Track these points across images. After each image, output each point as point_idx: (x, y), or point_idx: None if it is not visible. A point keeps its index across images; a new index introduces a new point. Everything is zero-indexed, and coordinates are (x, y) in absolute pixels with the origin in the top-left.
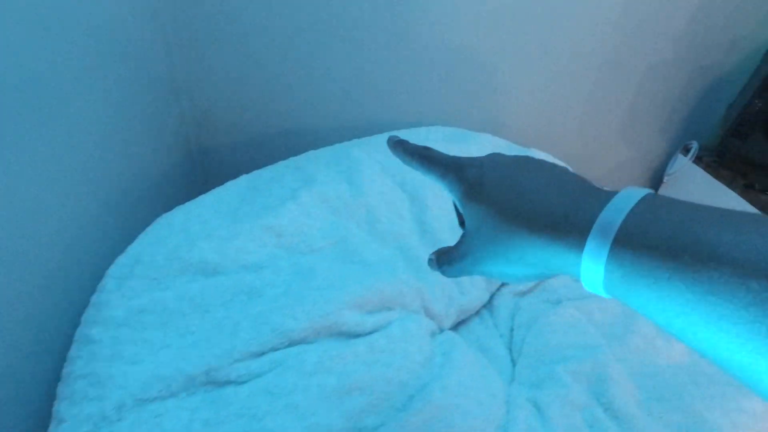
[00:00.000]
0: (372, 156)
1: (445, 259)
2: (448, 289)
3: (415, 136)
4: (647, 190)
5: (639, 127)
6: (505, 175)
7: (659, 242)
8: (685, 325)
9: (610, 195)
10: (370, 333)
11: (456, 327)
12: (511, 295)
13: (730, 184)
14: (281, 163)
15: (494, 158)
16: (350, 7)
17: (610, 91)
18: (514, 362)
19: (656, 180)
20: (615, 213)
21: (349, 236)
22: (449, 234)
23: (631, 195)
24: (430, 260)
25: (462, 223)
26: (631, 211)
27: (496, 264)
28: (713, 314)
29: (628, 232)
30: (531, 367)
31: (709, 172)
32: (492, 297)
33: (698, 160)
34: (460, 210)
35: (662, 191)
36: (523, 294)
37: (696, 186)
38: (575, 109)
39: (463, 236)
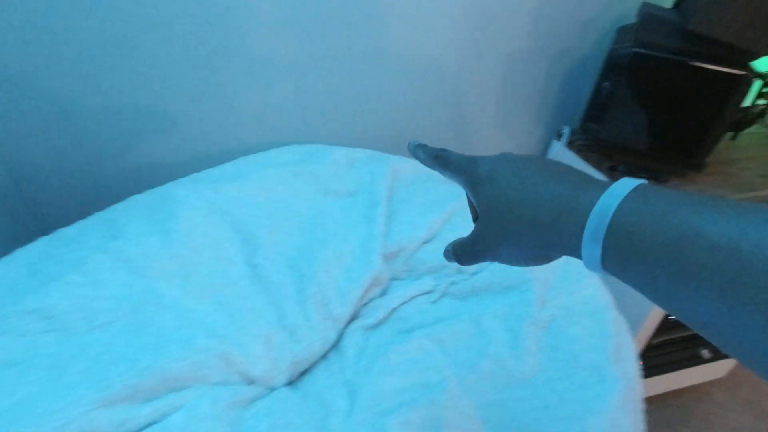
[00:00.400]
0: (200, 193)
1: (459, 249)
2: (276, 340)
3: (264, 160)
4: (641, 180)
5: (513, 116)
6: (513, 169)
7: (650, 223)
8: (672, 298)
9: (607, 184)
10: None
11: (300, 377)
12: (361, 330)
13: (598, 166)
14: (90, 218)
15: (504, 155)
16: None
17: (474, 86)
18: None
19: None
20: (612, 198)
21: (147, 301)
22: (285, 276)
23: (626, 184)
24: (446, 252)
25: (475, 218)
26: (626, 196)
27: (506, 247)
28: (693, 285)
29: (623, 215)
30: (364, 424)
31: (580, 156)
32: (341, 336)
33: (571, 145)
34: (473, 202)
35: None
36: (374, 327)
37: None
38: (441, 108)
39: (476, 226)
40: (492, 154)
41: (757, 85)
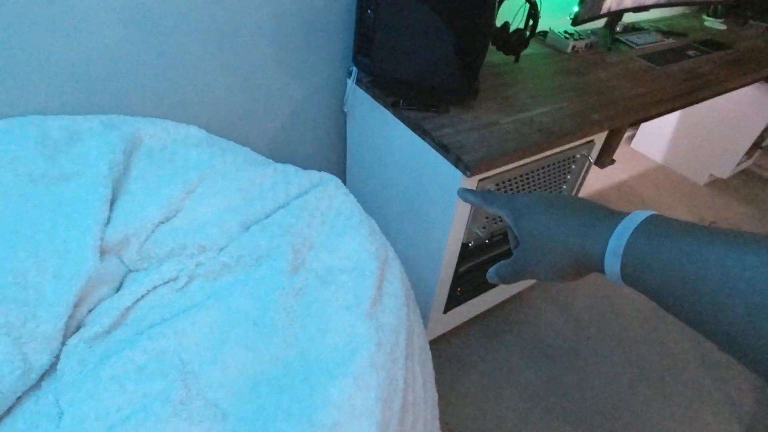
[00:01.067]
0: None
1: (503, 270)
2: None
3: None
4: (651, 212)
5: (301, 59)
6: (548, 204)
7: (657, 245)
8: (677, 305)
9: (624, 214)
10: None
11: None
12: (84, 344)
13: (384, 103)
14: None
15: (540, 194)
16: None
17: (250, 31)
18: None
19: (341, 111)
20: (628, 223)
21: None
22: None
23: (639, 215)
24: (490, 275)
25: (515, 245)
26: (640, 223)
27: (544, 269)
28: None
29: (637, 237)
30: None
31: (369, 94)
32: (59, 356)
33: (360, 83)
34: (515, 231)
35: (348, 119)
36: (104, 335)
37: (364, 109)
38: (227, 70)
39: (517, 251)
40: (530, 193)
41: (525, 6)
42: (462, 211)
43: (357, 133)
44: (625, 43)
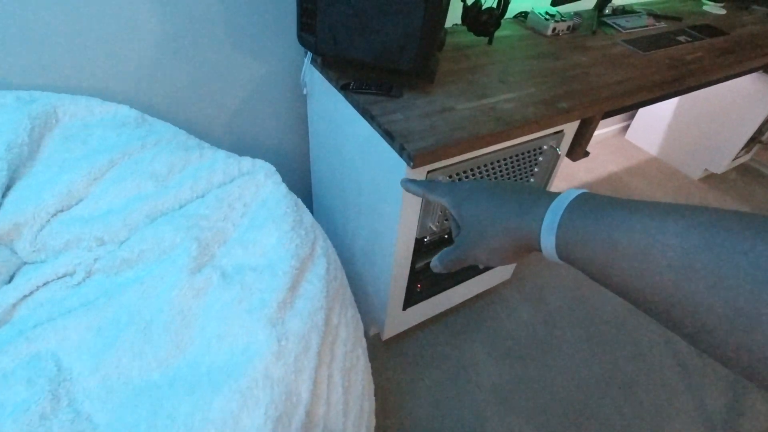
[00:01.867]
0: None
1: (445, 257)
2: None
3: None
4: (583, 190)
5: (257, 40)
6: (488, 189)
7: (588, 219)
8: (605, 274)
9: (556, 194)
10: None
11: None
12: None
13: (336, 84)
14: None
15: (478, 181)
16: None
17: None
18: None
19: (299, 91)
20: (560, 202)
21: None
22: None
23: (571, 192)
24: (433, 264)
25: (457, 233)
26: (571, 201)
27: (485, 251)
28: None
29: (568, 213)
30: None
31: (323, 75)
32: None
33: (315, 63)
34: (456, 218)
35: (308, 101)
36: None
37: (321, 92)
38: (170, 41)
39: (459, 238)
40: (470, 180)
41: None
42: (411, 203)
43: (316, 116)
44: (611, 26)
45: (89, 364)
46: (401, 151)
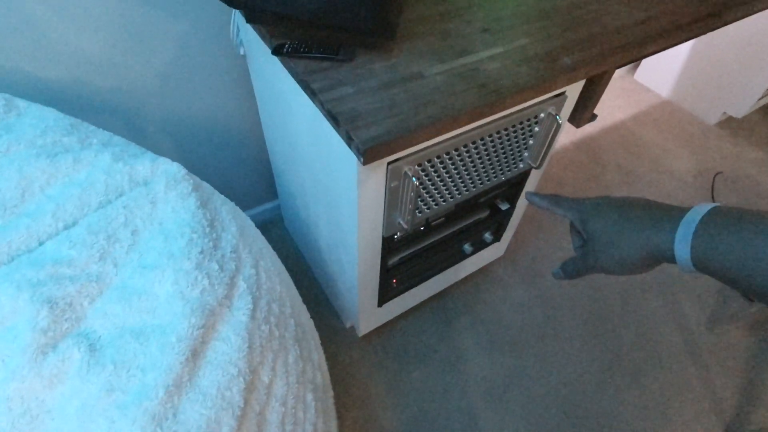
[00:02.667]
0: None
1: (569, 266)
2: None
3: None
4: (715, 204)
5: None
6: (615, 205)
7: (724, 237)
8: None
9: (687, 208)
10: None
11: None
12: None
13: (270, 44)
14: None
15: (605, 197)
16: None
17: None
18: None
19: (233, 51)
20: (694, 214)
21: None
22: None
23: (703, 207)
24: (555, 273)
25: (580, 244)
26: (705, 213)
27: (612, 262)
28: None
29: (703, 226)
30: None
31: (257, 32)
32: None
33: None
34: (582, 231)
35: (249, 64)
36: None
37: (260, 54)
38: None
39: (584, 250)
40: (595, 197)
41: None
42: (371, 197)
43: (259, 83)
44: None
45: None
46: (349, 141)
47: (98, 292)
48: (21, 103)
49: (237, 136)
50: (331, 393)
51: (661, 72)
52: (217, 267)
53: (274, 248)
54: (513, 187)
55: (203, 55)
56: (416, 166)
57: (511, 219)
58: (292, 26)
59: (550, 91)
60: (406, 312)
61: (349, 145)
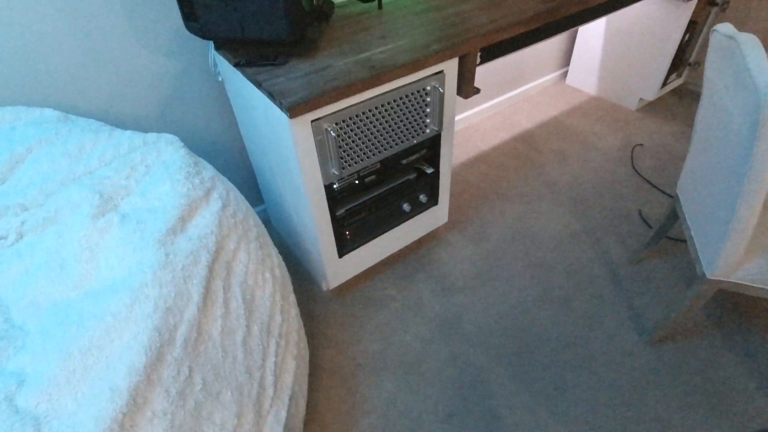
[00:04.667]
0: None
1: None
2: None
3: None
4: None
5: (168, 38)
6: None
7: None
8: None
9: None
10: None
11: None
12: None
13: (233, 63)
14: None
15: None
16: None
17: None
18: None
19: (214, 81)
20: None
21: None
22: None
23: None
24: None
25: None
26: None
27: None
28: None
29: None
30: None
31: (223, 57)
32: None
33: (219, 49)
34: None
35: (226, 86)
36: None
37: (229, 74)
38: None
39: None
40: None
41: None
42: (305, 151)
43: (233, 98)
44: None
45: (20, 293)
46: (281, 106)
47: (126, 194)
48: (71, 116)
49: (223, 148)
50: (291, 291)
51: (586, 73)
52: (198, 181)
53: None
54: (431, 151)
55: (194, 88)
56: (334, 124)
57: (440, 182)
58: (245, 47)
59: (423, 68)
60: (368, 271)
61: (281, 108)
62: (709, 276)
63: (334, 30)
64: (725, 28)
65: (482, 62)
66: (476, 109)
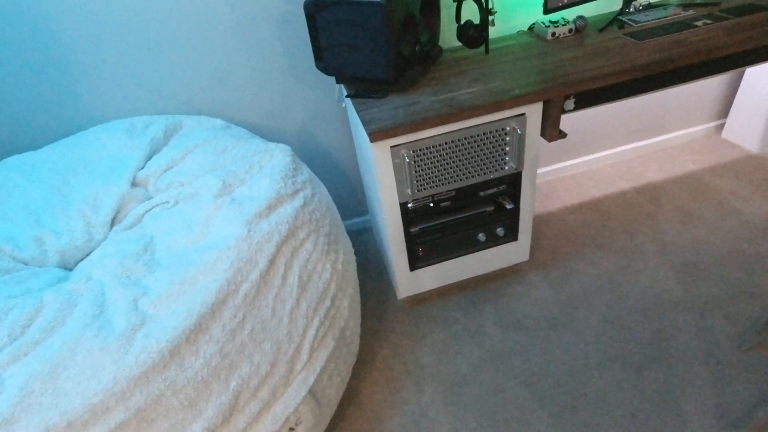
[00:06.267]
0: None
1: None
2: (46, 239)
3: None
4: None
5: (309, 75)
6: None
7: None
8: None
9: None
10: None
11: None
12: (120, 230)
13: (346, 92)
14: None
15: None
16: None
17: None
18: None
19: (339, 106)
20: None
21: None
22: (57, 199)
23: None
24: None
25: None
26: None
27: None
28: None
29: None
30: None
31: (344, 89)
32: (107, 235)
33: (342, 83)
34: None
35: (347, 112)
36: (130, 227)
37: (348, 102)
38: (253, 83)
39: None
40: None
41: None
42: (384, 171)
43: (351, 122)
44: (625, 23)
45: (166, 239)
46: (366, 131)
47: (241, 183)
48: (232, 125)
49: (339, 162)
50: (352, 286)
51: (748, 127)
52: (290, 182)
53: (361, 248)
54: (511, 188)
55: (325, 111)
56: (411, 151)
57: (521, 219)
58: (357, 82)
59: (499, 110)
60: (441, 291)
61: (366, 132)
62: None
63: (438, 71)
64: None
65: (578, 108)
66: (597, 154)
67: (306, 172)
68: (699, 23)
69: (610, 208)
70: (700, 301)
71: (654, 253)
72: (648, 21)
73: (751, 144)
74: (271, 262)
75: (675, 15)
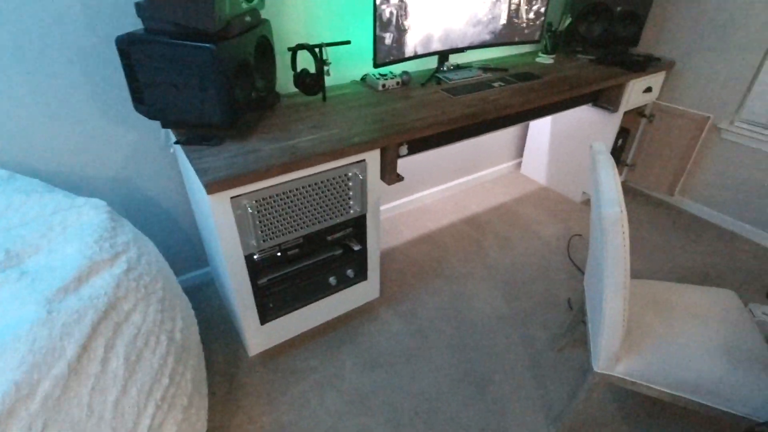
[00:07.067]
0: None
1: None
2: None
3: None
4: None
5: (121, 112)
6: None
7: None
8: None
9: None
10: None
11: None
12: None
13: (175, 138)
14: None
15: None
16: None
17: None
18: None
19: (168, 152)
20: None
21: None
22: None
23: None
24: None
25: None
26: None
27: None
28: None
29: None
30: None
31: (172, 134)
32: None
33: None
34: None
35: (177, 158)
36: None
37: (177, 148)
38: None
39: None
40: None
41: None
42: (223, 222)
43: (182, 169)
44: (441, 80)
45: None
46: (201, 182)
47: (35, 251)
48: (17, 175)
49: (173, 214)
50: (196, 356)
51: (537, 164)
52: (108, 245)
53: (203, 304)
54: (358, 230)
55: (150, 156)
56: (254, 201)
57: (369, 259)
58: (188, 128)
59: (341, 157)
60: (297, 339)
61: (202, 182)
62: (595, 369)
63: (275, 117)
64: (597, 145)
65: (410, 153)
66: (429, 191)
67: (128, 231)
68: (496, 84)
69: (444, 238)
70: (522, 314)
71: (482, 277)
72: (459, 79)
73: (540, 178)
74: (84, 348)
75: (478, 76)
